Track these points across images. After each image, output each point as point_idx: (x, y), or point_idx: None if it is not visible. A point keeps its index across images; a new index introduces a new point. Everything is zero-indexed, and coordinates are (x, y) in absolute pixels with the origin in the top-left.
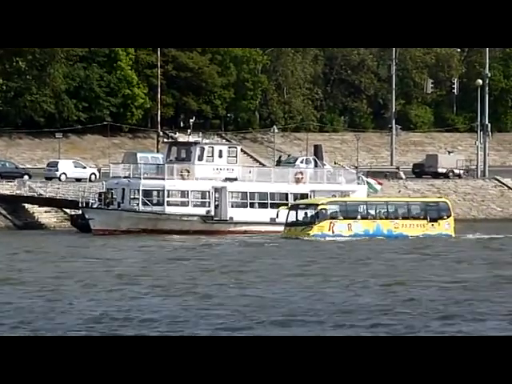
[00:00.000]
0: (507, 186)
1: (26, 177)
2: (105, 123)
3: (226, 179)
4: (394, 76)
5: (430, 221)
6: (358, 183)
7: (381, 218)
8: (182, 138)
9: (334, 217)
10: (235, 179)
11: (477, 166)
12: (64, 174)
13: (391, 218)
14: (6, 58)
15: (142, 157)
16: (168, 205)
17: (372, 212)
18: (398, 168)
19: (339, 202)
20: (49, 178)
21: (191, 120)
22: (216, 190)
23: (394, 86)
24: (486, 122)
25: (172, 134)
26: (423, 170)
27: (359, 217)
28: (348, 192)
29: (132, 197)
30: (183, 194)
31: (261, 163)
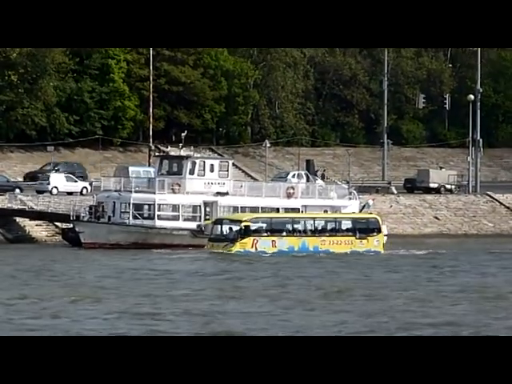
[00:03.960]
0: (499, 201)
1: (18, 190)
2: (96, 137)
3: (218, 193)
4: (385, 91)
5: (359, 237)
6: (350, 198)
7: (307, 235)
8: (173, 151)
9: (257, 233)
10: (226, 193)
11: (468, 181)
12: (55, 187)
13: (318, 235)
14: None
15: (134, 170)
16: (159, 219)
17: (299, 228)
18: (389, 183)
19: (264, 219)
20: (40, 192)
21: (183, 134)
22: (207, 204)
23: (385, 101)
24: (478, 138)
25: (164, 148)
26: (415, 185)
27: (284, 233)
28: (339, 207)
29: (123, 210)
30: (174, 208)
31: (253, 178)
